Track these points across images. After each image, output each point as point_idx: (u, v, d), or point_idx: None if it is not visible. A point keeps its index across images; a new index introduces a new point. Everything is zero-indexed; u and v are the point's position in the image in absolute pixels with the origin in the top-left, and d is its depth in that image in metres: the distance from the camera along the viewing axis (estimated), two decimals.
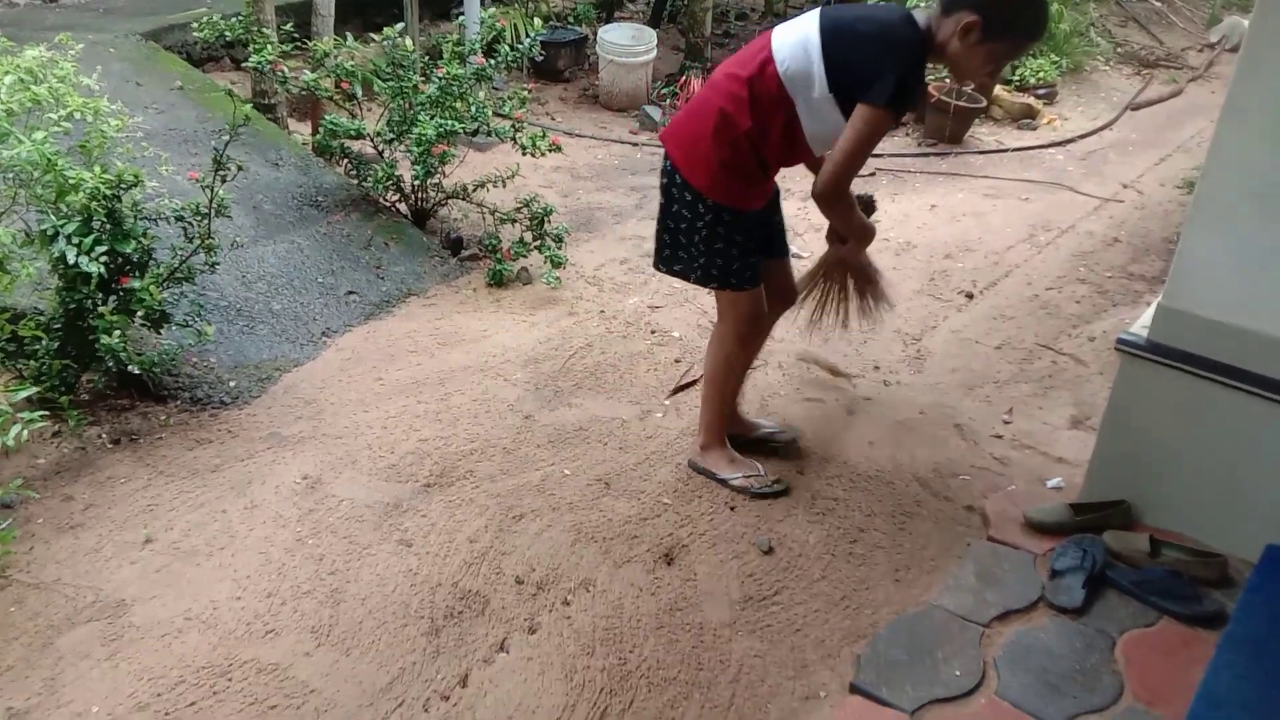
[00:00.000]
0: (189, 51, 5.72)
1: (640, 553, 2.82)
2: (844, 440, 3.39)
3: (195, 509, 2.90)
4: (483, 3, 7.50)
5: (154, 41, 5.48)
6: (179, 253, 3.22)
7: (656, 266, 2.99)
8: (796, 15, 2.77)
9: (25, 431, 2.38)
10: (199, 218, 3.19)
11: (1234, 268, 2.58)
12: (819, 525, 2.98)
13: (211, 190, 3.13)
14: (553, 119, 6.67)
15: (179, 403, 3.36)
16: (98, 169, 2.82)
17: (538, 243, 4.35)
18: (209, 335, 3.11)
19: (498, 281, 4.30)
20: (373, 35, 4.58)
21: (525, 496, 3.01)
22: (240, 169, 3.23)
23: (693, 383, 3.67)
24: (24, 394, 2.45)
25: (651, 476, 3.15)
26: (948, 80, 6.72)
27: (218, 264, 3.35)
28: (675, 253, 2.89)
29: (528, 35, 4.62)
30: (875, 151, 5.78)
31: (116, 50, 5.21)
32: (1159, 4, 10.79)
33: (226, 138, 3.19)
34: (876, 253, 4.70)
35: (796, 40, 2.62)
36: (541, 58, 6.84)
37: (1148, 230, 5.38)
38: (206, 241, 3.16)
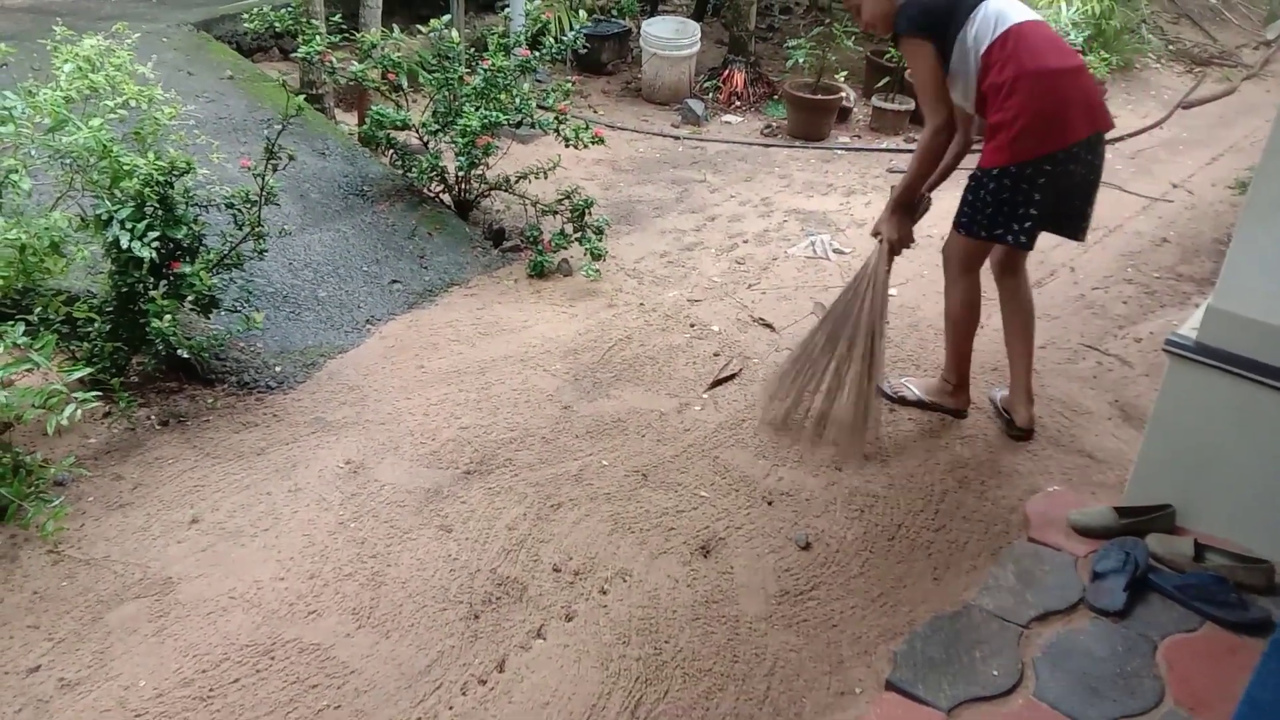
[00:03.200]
0: (239, 42, 5.81)
1: (677, 544, 2.83)
2: (884, 435, 3.38)
3: (241, 491, 2.95)
4: None
5: (205, 31, 5.57)
6: (229, 239, 3.27)
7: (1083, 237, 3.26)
8: None
9: (79, 411, 2.44)
10: (249, 205, 3.25)
11: None
12: (857, 521, 2.97)
13: (262, 178, 3.18)
14: (595, 112, 6.68)
15: (226, 386, 3.42)
16: (151, 155, 2.87)
17: (578, 235, 4.37)
18: (258, 322, 3.16)
19: (538, 273, 4.33)
20: (419, 27, 4.63)
21: (563, 485, 3.03)
22: (291, 158, 3.27)
23: (730, 377, 3.67)
24: (78, 374, 2.51)
25: (689, 469, 3.16)
26: None
27: (266, 251, 3.40)
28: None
29: (572, 28, 4.64)
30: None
31: (169, 40, 5.30)
32: (1213, 1, 10.58)
33: (279, 127, 3.24)
34: (921, 250, 4.70)
35: None
36: (585, 50, 6.87)
37: (1198, 231, 5.29)
38: (256, 229, 3.20)
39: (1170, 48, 8.89)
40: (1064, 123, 2.92)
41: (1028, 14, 3.01)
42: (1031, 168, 2.96)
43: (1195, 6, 10.31)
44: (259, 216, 3.21)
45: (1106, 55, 7.58)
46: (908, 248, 3.36)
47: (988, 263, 3.34)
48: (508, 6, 6.00)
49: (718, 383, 3.65)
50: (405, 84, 4.55)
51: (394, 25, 5.20)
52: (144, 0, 6.30)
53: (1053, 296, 4.48)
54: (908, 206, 3.31)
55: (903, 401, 3.55)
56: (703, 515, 2.95)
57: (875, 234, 3.37)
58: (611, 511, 2.93)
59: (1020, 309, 3.39)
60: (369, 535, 2.79)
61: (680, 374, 3.69)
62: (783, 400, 3.41)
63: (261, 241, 3.32)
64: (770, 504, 3.03)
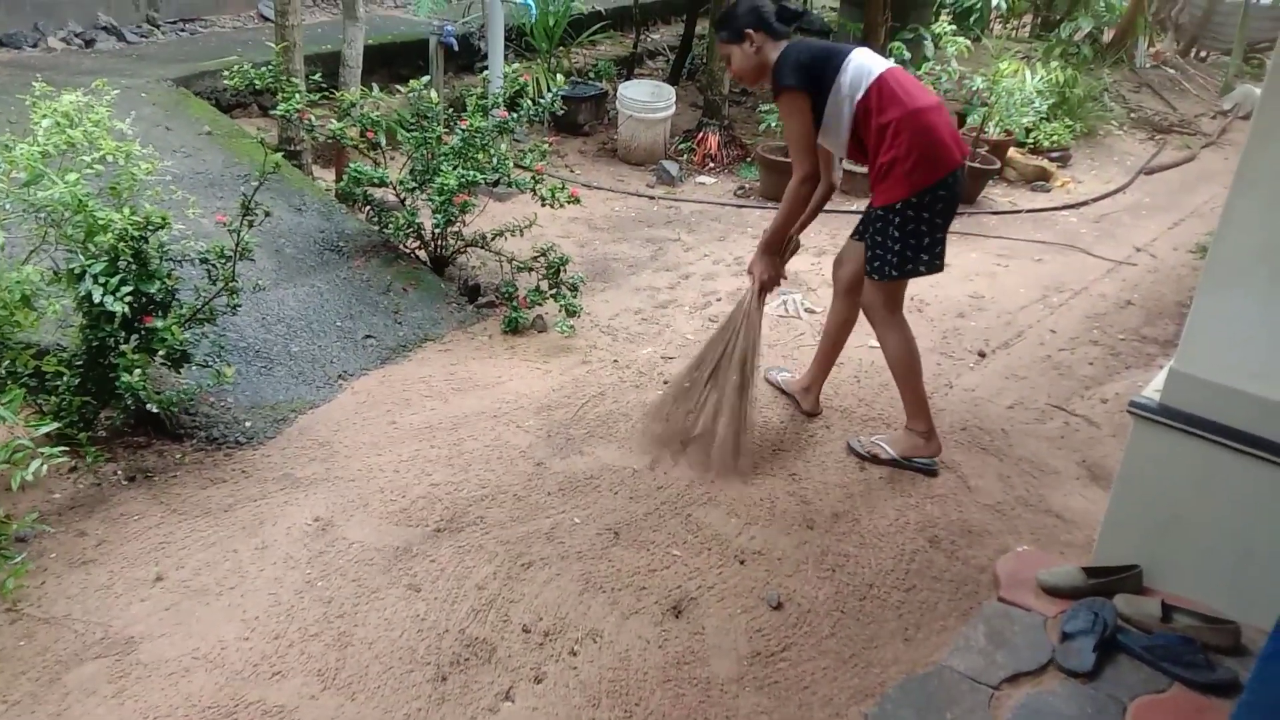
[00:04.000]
0: (218, 98, 5.86)
1: (648, 604, 2.81)
2: (854, 496, 3.39)
3: (207, 548, 2.92)
4: (506, 58, 7.68)
5: (184, 87, 5.62)
6: (202, 294, 3.27)
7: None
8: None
9: (44, 467, 2.41)
10: (223, 260, 3.25)
11: (1246, 334, 2.59)
12: (828, 581, 2.97)
13: (238, 234, 3.19)
14: (571, 171, 6.77)
15: (195, 441, 3.39)
16: (126, 210, 2.88)
17: (553, 291, 4.40)
18: (229, 377, 3.14)
19: (513, 329, 4.35)
20: (399, 87, 4.69)
21: (534, 544, 3.02)
22: (267, 214, 3.29)
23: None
24: (44, 430, 2.48)
25: (661, 527, 3.15)
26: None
27: (240, 305, 3.40)
28: None
29: (549, 90, 4.72)
30: None
31: (148, 95, 5.34)
32: (1173, 71, 10.93)
33: (256, 183, 3.25)
34: None
35: None
36: (562, 112, 6.98)
37: (1161, 294, 5.41)
38: (230, 284, 3.21)
39: (1132, 115, 9.16)
40: (946, 151, 3.19)
41: (887, 63, 3.30)
42: (929, 195, 3.20)
43: (1155, 76, 10.65)
44: (233, 271, 3.22)
45: (1070, 122, 7.80)
46: (777, 285, 3.64)
47: (832, 275, 3.71)
48: (487, 68, 6.10)
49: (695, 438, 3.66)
50: (384, 142, 4.60)
51: (373, 85, 5.28)
52: (126, 56, 6.36)
53: (1020, 357, 4.55)
54: (776, 248, 3.55)
55: (875, 460, 3.60)
56: (674, 574, 2.94)
57: (748, 272, 3.61)
58: (583, 570, 2.92)
59: (844, 314, 3.74)
60: (336, 594, 2.75)
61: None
62: (662, 421, 3.64)
63: (235, 297, 3.32)
64: (742, 563, 3.03)
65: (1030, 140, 7.40)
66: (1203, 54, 12.10)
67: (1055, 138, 7.55)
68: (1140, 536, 2.88)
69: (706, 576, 2.94)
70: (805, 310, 4.83)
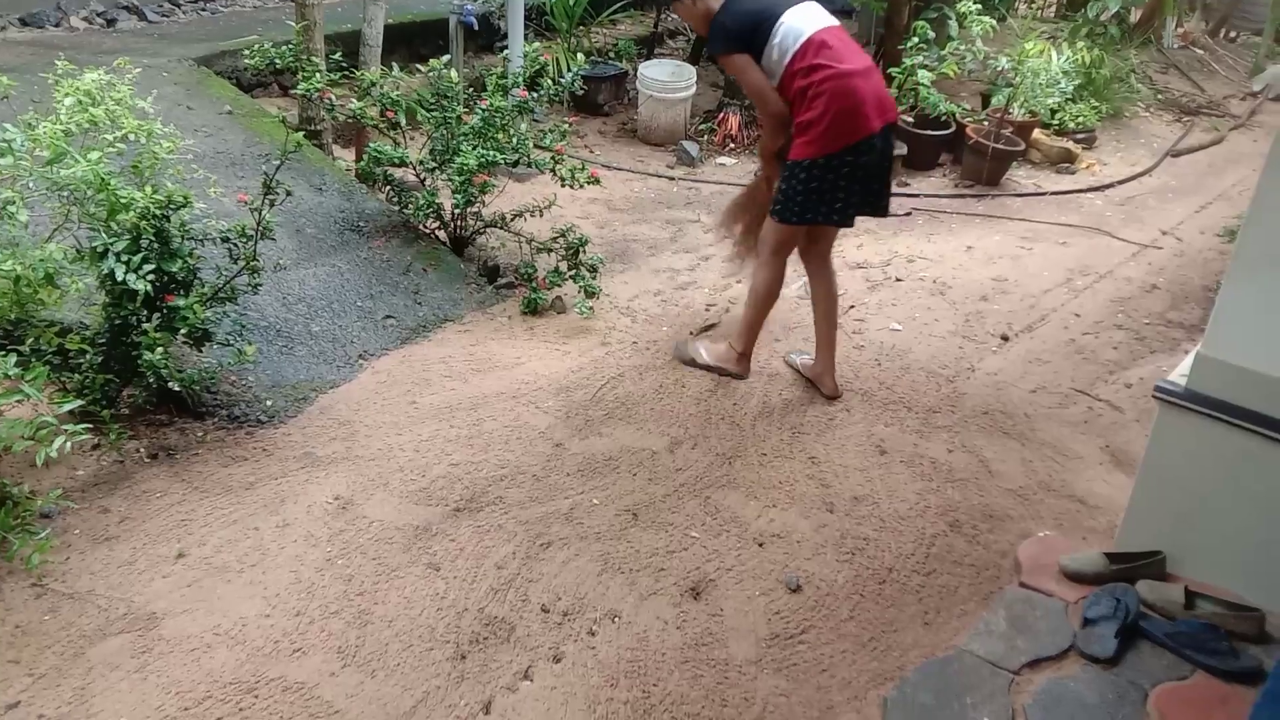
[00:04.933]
0: (239, 77, 5.85)
1: (667, 585, 2.81)
2: (874, 480, 3.38)
3: (228, 525, 2.93)
4: (527, 37, 7.64)
5: (206, 67, 5.61)
6: (223, 272, 3.28)
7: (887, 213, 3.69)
8: None
9: (69, 444, 2.43)
10: (244, 239, 3.25)
11: (1275, 318, 2.55)
12: (848, 565, 2.96)
13: (259, 213, 3.19)
14: (591, 152, 6.74)
15: (216, 420, 3.41)
16: (148, 189, 2.88)
17: (572, 272, 4.39)
18: (250, 355, 3.15)
19: (532, 310, 4.34)
20: (419, 66, 4.68)
21: (553, 524, 3.02)
22: (288, 193, 3.29)
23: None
24: (68, 407, 2.50)
25: (680, 509, 3.15)
26: (986, 123, 6.74)
27: (261, 285, 3.40)
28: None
29: (569, 70, 4.69)
30: (912, 191, 6.08)
31: (169, 74, 5.35)
32: (1201, 52, 10.76)
33: (277, 163, 3.25)
34: (913, 293, 4.72)
35: None
36: (583, 92, 6.93)
37: (1187, 278, 5.34)
38: (251, 263, 3.21)
39: (1159, 97, 9.02)
40: (862, 118, 3.32)
41: (823, 21, 3.43)
42: (837, 159, 3.37)
43: (1183, 57, 10.48)
44: (254, 251, 3.22)
45: (1096, 104, 7.69)
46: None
47: (797, 250, 3.81)
48: (507, 48, 6.07)
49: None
50: (404, 122, 4.59)
51: (393, 64, 5.26)
52: (147, 35, 6.37)
53: (1044, 341, 4.51)
54: (771, 158, 3.71)
55: (692, 364, 3.94)
56: (693, 556, 2.94)
57: (756, 174, 3.96)
58: (601, 551, 2.92)
59: (824, 289, 3.83)
60: (356, 572, 2.77)
61: (672, 412, 3.69)
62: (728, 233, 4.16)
63: (257, 275, 3.33)
64: (761, 545, 3.02)
65: (1055, 122, 7.30)
66: (1232, 34, 11.90)
67: (1081, 119, 7.44)
68: (1164, 522, 2.85)
69: (725, 559, 2.94)
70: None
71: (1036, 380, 4.16)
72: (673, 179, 6.38)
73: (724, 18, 3.45)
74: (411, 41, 7.07)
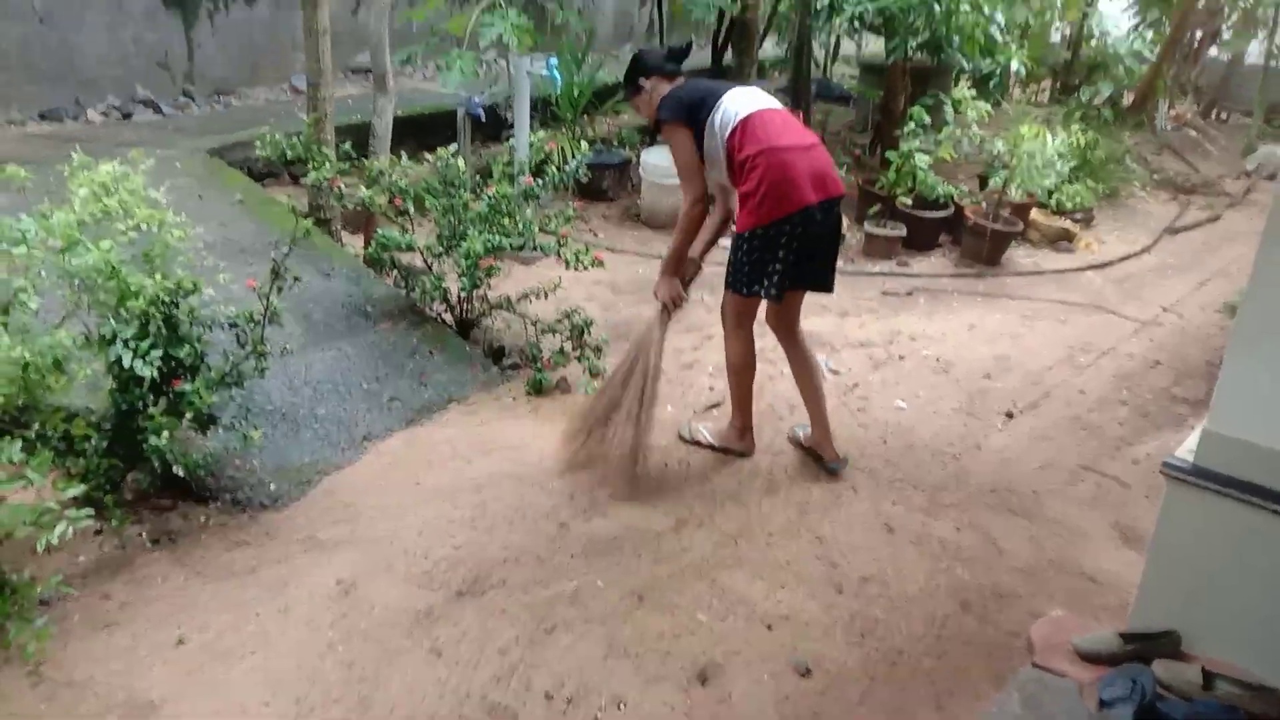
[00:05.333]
0: (250, 167, 5.99)
1: (673, 670, 2.77)
2: (882, 560, 3.34)
3: (230, 611, 2.90)
4: (533, 127, 7.83)
5: (218, 158, 5.76)
6: (230, 357, 3.31)
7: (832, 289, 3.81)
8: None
9: (70, 529, 2.42)
10: (252, 325, 3.29)
11: (1278, 391, 2.55)
12: (858, 647, 2.91)
13: (267, 299, 3.23)
14: (596, 236, 6.84)
15: (220, 504, 3.40)
16: (157, 276, 2.93)
17: (577, 353, 4.42)
18: (256, 440, 3.17)
19: (537, 390, 4.36)
20: (427, 156, 4.78)
21: (558, 607, 2.98)
22: (296, 279, 3.34)
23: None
24: (72, 492, 2.50)
25: (686, 590, 3.11)
26: (983, 204, 6.84)
27: (268, 369, 3.43)
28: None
29: (574, 158, 4.80)
30: (913, 271, 6.15)
31: (183, 165, 5.48)
32: (1194, 133, 10.97)
33: (285, 249, 3.31)
34: (914, 370, 4.74)
35: None
36: (587, 179, 7.07)
37: (1189, 353, 5.36)
38: (259, 348, 3.24)
39: (1155, 176, 9.17)
40: (797, 189, 3.44)
41: (765, 104, 3.59)
42: (775, 229, 3.49)
43: (1176, 138, 10.69)
44: (262, 335, 3.26)
45: (1093, 184, 7.82)
46: (679, 307, 3.87)
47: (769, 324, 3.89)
48: (514, 137, 6.22)
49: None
50: (412, 209, 4.68)
51: (402, 154, 5.39)
52: (161, 128, 6.55)
53: (1048, 418, 4.50)
54: (674, 269, 3.84)
55: (696, 444, 4.00)
56: (700, 640, 2.89)
57: (654, 295, 3.88)
58: (606, 635, 2.88)
59: (802, 363, 3.91)
60: (358, 657, 2.73)
61: (677, 491, 3.67)
62: (579, 435, 3.84)
63: (264, 360, 3.35)
64: (769, 628, 2.98)
65: (1052, 202, 7.41)
66: (1223, 115, 12.16)
67: (1078, 199, 7.55)
68: (1178, 600, 2.81)
69: (732, 642, 2.89)
70: (830, 371, 4.81)
71: (1043, 457, 4.14)
72: None
73: (676, 91, 3.67)
74: (421, 131, 7.24)
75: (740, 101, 3.56)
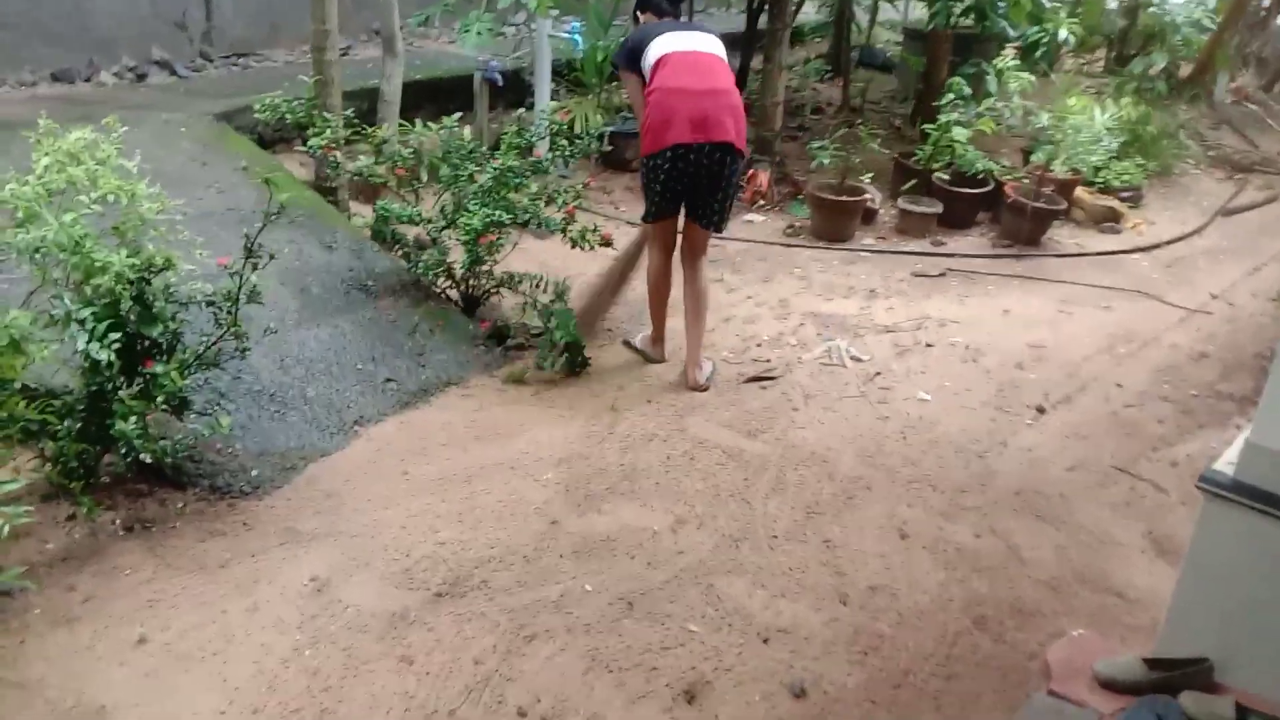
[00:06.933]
0: (261, 133, 5.82)
1: (659, 687, 2.58)
2: (894, 569, 3.13)
3: (196, 608, 2.76)
4: (558, 94, 7.59)
5: (226, 122, 5.59)
6: (204, 339, 3.15)
7: (721, 230, 4.31)
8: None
9: (6, 527, 2.28)
10: (231, 303, 3.13)
11: None
12: (860, 666, 2.71)
13: (240, 277, 3.06)
14: (617, 208, 6.61)
15: (198, 490, 3.26)
16: (123, 252, 2.77)
17: (564, 339, 4.20)
18: (224, 427, 3.00)
19: (540, 373, 4.15)
20: (447, 122, 4.57)
21: (540, 614, 2.81)
22: (273, 256, 3.16)
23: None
24: (9, 488, 2.35)
25: (679, 598, 2.92)
26: (1026, 180, 6.51)
27: (249, 350, 3.27)
28: (726, 215, 4.19)
29: (586, 131, 4.57)
30: (947, 251, 5.96)
31: (188, 130, 5.32)
32: (1255, 108, 10.44)
33: (259, 225, 3.13)
34: (942, 358, 4.48)
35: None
36: (610, 149, 6.85)
37: (1239, 345, 5.03)
38: (234, 328, 3.08)
39: (1210, 153, 8.72)
40: (672, 129, 3.84)
41: (684, 46, 3.95)
42: (650, 161, 3.95)
43: (1236, 113, 10.17)
44: (235, 316, 3.09)
45: (1143, 161, 7.42)
46: None
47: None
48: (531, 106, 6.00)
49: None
50: (424, 178, 4.49)
51: (417, 120, 5.20)
52: (173, 90, 6.40)
53: (1083, 413, 4.23)
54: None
55: (628, 346, 4.50)
56: (689, 653, 2.70)
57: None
58: (589, 646, 2.70)
59: (693, 294, 4.26)
60: (324, 664, 2.57)
61: (679, 487, 3.47)
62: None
63: (243, 340, 3.19)
64: (765, 641, 2.78)
65: (1099, 179, 7.04)
66: None
67: (1126, 177, 7.17)
68: (1211, 625, 2.57)
69: (725, 656, 2.70)
70: (851, 358, 4.57)
71: (1074, 457, 3.88)
72: None
73: (629, 36, 4.16)
74: (441, 97, 7.04)
75: (663, 44, 3.94)
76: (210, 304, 3.13)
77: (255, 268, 3.08)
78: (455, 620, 2.76)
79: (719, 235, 6.19)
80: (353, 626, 2.72)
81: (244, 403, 3.57)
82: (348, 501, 3.27)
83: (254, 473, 3.33)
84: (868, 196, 6.34)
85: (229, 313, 3.12)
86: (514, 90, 7.27)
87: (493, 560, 3.02)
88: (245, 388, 3.63)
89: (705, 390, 4.15)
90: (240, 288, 3.04)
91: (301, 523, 3.16)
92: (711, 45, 4.02)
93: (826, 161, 6.20)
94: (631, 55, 4.02)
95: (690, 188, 3.98)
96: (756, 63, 7.95)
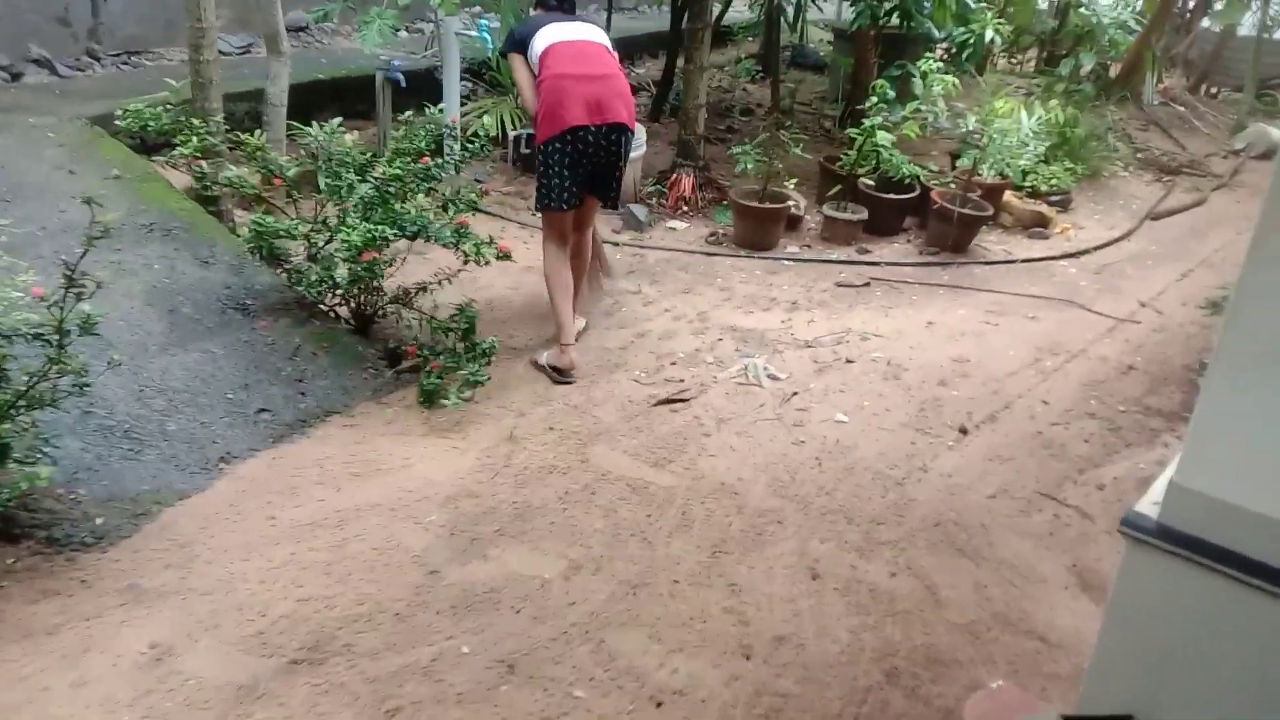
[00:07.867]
0: (143, 137, 5.41)
1: None
2: (802, 614, 2.89)
3: (12, 685, 2.43)
4: (475, 95, 7.26)
5: (100, 126, 5.18)
6: (31, 377, 2.80)
7: (619, 207, 4.64)
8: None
9: None
10: (59, 336, 2.78)
11: (1262, 443, 2.09)
12: None
13: (61, 309, 2.72)
14: (534, 214, 6.30)
15: (34, 542, 2.91)
16: None
17: (468, 355, 3.90)
18: (43, 478, 2.66)
19: (428, 401, 3.85)
20: (356, 125, 4.25)
21: (407, 683, 2.52)
22: (99, 285, 2.82)
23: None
24: None
25: (566, 658, 2.65)
26: (952, 185, 6.35)
27: (89, 385, 2.92)
28: (620, 190, 4.32)
29: (485, 132, 4.28)
30: (872, 259, 5.76)
31: (56, 135, 4.91)
32: (1182, 109, 10.48)
33: (80, 251, 2.80)
34: (862, 375, 4.27)
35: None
36: (528, 152, 6.54)
37: (1167, 356, 4.90)
38: (61, 365, 2.74)
39: (1139, 155, 8.68)
40: (567, 111, 3.94)
41: (569, 36, 4.09)
42: (549, 146, 4.02)
43: (1164, 114, 10.19)
44: (61, 353, 2.74)
45: (1071, 164, 7.32)
46: None
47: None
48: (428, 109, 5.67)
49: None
50: (324, 187, 4.15)
51: (315, 122, 4.84)
52: (47, 91, 5.95)
53: (1006, 434, 4.05)
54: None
55: (535, 366, 4.25)
56: None
57: None
58: (459, 719, 2.42)
59: (579, 265, 4.49)
60: None
61: (574, 527, 3.21)
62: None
63: (81, 375, 2.85)
64: (659, 706, 2.52)
65: (1027, 184, 6.92)
66: (1214, 90, 11.65)
67: (1055, 181, 7.06)
68: (1136, 678, 2.36)
69: None
70: (768, 377, 4.34)
71: (997, 483, 3.69)
72: (617, 244, 5.93)
73: (518, 25, 4.29)
74: (344, 97, 6.69)
75: (549, 34, 4.06)
76: (38, 338, 2.77)
77: (79, 299, 2.73)
78: (310, 693, 2.46)
79: (640, 245, 5.97)
80: (192, 703, 2.41)
81: (93, 440, 3.22)
82: (201, 553, 2.95)
83: (99, 521, 2.99)
84: (791, 203, 6.12)
85: (58, 346, 2.77)
86: (429, 92, 6.93)
87: (360, 619, 2.72)
88: (96, 423, 3.28)
89: (574, 371, 4.17)
90: (62, 321, 2.70)
91: (148, 578, 2.83)
92: (596, 35, 4.19)
93: (750, 167, 5.97)
94: (520, 42, 4.14)
95: (590, 170, 4.10)
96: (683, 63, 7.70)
